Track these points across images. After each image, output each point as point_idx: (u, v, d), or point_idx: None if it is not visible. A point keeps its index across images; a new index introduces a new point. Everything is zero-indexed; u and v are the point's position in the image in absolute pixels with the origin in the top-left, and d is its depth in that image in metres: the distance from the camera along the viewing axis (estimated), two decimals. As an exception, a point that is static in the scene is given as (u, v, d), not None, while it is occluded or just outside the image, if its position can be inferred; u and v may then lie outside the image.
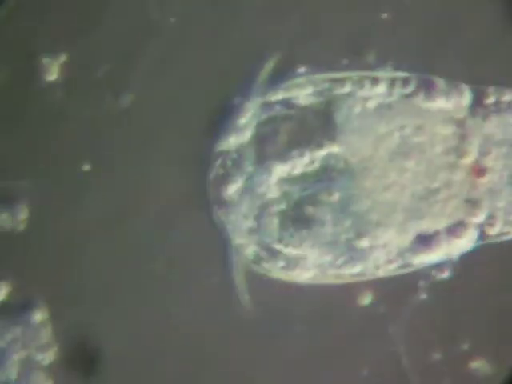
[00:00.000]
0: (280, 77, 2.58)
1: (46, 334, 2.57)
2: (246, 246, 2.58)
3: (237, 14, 2.60)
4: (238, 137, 2.58)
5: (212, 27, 2.60)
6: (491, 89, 2.55)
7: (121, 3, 2.60)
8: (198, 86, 2.60)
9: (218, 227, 2.58)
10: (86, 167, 2.60)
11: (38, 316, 2.58)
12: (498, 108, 2.55)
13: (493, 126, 2.55)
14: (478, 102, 2.55)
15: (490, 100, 2.55)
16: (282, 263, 2.58)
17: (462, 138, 2.55)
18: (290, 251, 2.57)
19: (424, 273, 2.57)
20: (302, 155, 2.56)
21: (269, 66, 2.57)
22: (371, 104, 2.56)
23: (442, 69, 2.55)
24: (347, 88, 2.57)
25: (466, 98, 2.55)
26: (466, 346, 2.58)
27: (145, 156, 2.61)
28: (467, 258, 2.56)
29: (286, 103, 2.58)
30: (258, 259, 2.58)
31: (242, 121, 2.58)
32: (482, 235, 2.57)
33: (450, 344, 2.58)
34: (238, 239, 2.58)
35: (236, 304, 2.57)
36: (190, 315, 2.60)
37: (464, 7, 2.56)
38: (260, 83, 2.57)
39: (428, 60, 2.56)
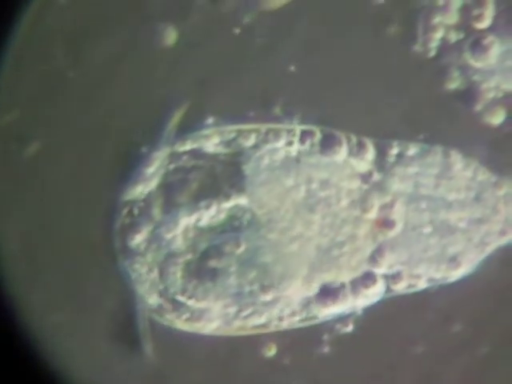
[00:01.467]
0: (188, 127, 2.59)
1: None
2: (150, 296, 2.57)
3: (146, 63, 2.61)
4: (146, 186, 2.58)
5: (120, 76, 2.60)
6: (395, 143, 2.59)
7: (25, 51, 2.60)
8: (106, 134, 2.60)
9: (123, 276, 2.57)
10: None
11: None
12: (401, 162, 2.59)
13: (397, 180, 2.58)
14: (382, 156, 2.59)
15: (394, 154, 2.59)
16: (186, 314, 2.57)
17: (367, 191, 2.58)
18: (194, 303, 2.56)
19: (328, 326, 2.58)
20: (209, 206, 2.57)
21: (177, 116, 2.58)
22: (279, 157, 2.58)
23: (348, 122, 2.58)
24: (255, 140, 2.59)
25: (371, 152, 2.59)
26: (368, 400, 2.60)
27: (52, 204, 2.60)
28: (371, 312, 2.58)
29: (195, 154, 2.59)
30: (161, 310, 2.57)
31: (150, 170, 2.58)
32: (388, 288, 2.58)
33: (353, 398, 2.60)
34: (143, 289, 2.57)
35: (139, 353, 2.55)
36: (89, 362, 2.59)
37: (369, 61, 2.60)
38: (168, 133, 2.57)
39: (335, 114, 2.59)
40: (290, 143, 2.59)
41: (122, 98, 2.60)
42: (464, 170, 2.60)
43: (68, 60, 2.60)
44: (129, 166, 2.58)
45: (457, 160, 2.60)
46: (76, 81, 2.61)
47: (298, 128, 2.59)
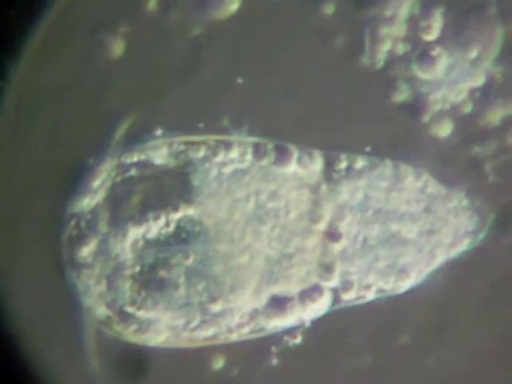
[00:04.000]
0: (136, 139, 2.57)
1: None
2: (97, 308, 2.55)
3: (93, 75, 2.59)
4: (92, 198, 2.56)
5: (67, 88, 2.59)
6: (343, 155, 2.59)
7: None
8: (53, 146, 2.58)
9: (69, 288, 2.55)
10: None
11: None
12: (350, 174, 2.59)
13: (345, 192, 2.58)
14: (330, 168, 2.58)
15: (343, 166, 2.59)
16: (134, 326, 2.55)
17: (316, 203, 2.58)
18: (142, 314, 2.55)
19: (276, 338, 2.57)
20: (157, 218, 2.56)
21: (124, 127, 2.57)
22: (228, 168, 2.57)
23: (296, 134, 2.58)
24: (203, 151, 2.58)
25: (319, 163, 2.58)
26: (316, 411, 2.60)
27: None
28: (320, 324, 2.57)
29: (142, 165, 2.58)
30: (109, 321, 2.55)
31: (97, 182, 2.56)
32: (336, 300, 2.58)
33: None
34: (90, 301, 2.55)
35: (85, 365, 2.54)
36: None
37: (316, 73, 2.60)
38: (115, 145, 2.56)
39: (283, 126, 2.58)
40: (241, 155, 2.58)
41: (68, 110, 2.58)
42: (414, 183, 2.60)
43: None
44: (75, 178, 2.56)
45: (407, 172, 2.60)
46: (24, 92, 2.59)
47: (249, 140, 2.59)
